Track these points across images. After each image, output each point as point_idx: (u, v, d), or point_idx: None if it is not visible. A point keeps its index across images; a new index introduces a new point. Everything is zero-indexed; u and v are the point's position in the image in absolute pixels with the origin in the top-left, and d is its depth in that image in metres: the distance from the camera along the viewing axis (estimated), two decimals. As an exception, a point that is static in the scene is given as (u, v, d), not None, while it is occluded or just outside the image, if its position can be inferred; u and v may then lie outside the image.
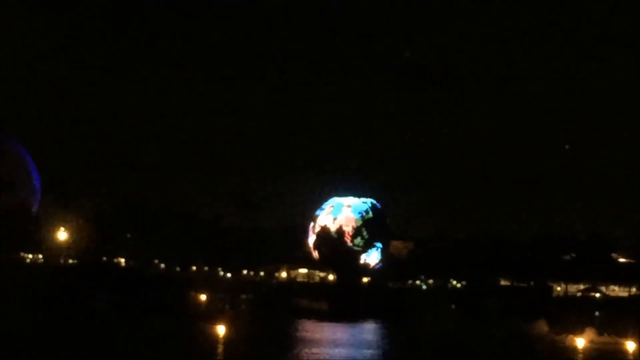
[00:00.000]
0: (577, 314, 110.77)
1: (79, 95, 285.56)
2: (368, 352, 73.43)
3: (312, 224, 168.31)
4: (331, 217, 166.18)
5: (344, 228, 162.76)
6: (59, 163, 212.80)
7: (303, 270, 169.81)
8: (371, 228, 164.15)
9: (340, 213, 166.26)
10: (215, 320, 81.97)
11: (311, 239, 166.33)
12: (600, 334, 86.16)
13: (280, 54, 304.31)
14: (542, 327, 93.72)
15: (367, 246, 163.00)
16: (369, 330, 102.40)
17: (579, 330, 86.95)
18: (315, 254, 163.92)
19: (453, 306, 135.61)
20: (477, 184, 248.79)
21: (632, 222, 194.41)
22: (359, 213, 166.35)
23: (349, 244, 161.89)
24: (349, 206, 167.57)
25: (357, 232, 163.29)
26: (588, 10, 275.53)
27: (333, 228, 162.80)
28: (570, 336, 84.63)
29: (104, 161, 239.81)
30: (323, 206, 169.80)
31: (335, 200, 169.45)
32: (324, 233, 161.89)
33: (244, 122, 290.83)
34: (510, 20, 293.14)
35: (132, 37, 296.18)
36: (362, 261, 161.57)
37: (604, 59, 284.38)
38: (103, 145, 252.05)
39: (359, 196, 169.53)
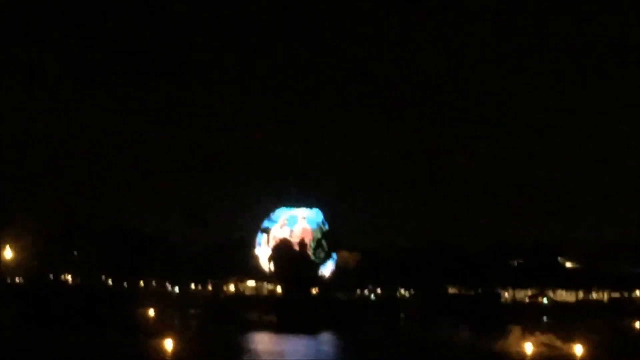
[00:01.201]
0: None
1: (21, 113, 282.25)
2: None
3: (264, 235, 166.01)
4: (288, 229, 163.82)
5: (306, 241, 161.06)
6: (3, 181, 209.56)
7: (251, 283, 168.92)
8: (329, 239, 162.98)
9: (297, 224, 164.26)
10: (163, 335, 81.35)
11: (262, 251, 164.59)
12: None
13: (222, 63, 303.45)
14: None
15: (325, 258, 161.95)
16: (320, 341, 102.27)
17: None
18: (269, 267, 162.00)
19: (402, 315, 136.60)
20: (424, 194, 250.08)
21: (577, 228, 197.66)
22: (317, 224, 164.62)
23: (312, 256, 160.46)
24: (304, 218, 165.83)
25: (318, 244, 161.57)
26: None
27: (293, 240, 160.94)
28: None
29: (50, 179, 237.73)
30: (273, 218, 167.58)
31: (286, 212, 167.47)
32: (284, 246, 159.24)
33: (188, 136, 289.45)
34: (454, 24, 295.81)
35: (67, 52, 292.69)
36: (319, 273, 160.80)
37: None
38: (48, 163, 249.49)
39: (308, 207, 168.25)
